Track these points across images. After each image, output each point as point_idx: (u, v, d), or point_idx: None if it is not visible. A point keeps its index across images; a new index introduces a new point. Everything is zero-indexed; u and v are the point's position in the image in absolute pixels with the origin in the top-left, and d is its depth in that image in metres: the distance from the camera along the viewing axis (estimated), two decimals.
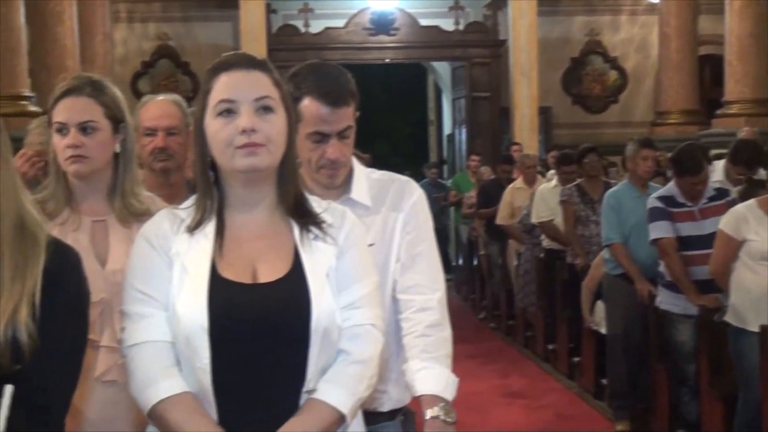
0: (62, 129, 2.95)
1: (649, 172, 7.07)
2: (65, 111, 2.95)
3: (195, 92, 14.57)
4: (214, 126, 2.32)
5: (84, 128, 2.94)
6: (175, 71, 15.97)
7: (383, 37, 15.95)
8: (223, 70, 2.35)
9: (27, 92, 9.43)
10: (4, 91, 8.91)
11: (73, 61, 11.15)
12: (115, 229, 2.95)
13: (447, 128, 19.12)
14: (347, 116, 2.79)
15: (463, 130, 16.82)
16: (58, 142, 2.95)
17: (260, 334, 2.26)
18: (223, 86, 2.33)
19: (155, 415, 2.28)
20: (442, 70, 18.47)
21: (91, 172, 2.96)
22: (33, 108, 9.30)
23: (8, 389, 2.12)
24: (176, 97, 3.78)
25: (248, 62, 2.37)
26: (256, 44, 14.13)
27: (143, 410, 2.31)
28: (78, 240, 2.90)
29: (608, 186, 7.72)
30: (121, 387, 2.81)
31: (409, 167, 17.93)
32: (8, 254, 2.20)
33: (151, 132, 3.62)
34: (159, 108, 3.66)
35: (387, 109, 24.38)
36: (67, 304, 2.25)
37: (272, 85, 2.36)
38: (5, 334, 2.14)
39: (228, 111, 2.31)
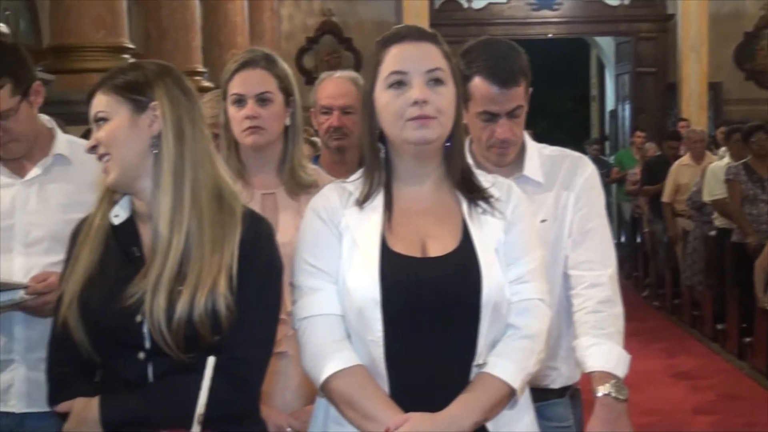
0: (240, 100, 2.99)
1: None
2: (242, 83, 2.99)
3: (357, 68, 14.66)
4: (384, 98, 2.32)
5: (261, 99, 2.97)
6: (338, 47, 16.13)
7: (546, 12, 15.77)
8: (394, 42, 2.35)
9: (200, 68, 9.64)
10: (179, 67, 9.12)
11: (242, 38, 11.36)
12: (284, 201, 2.98)
13: (610, 104, 18.80)
14: (517, 96, 2.76)
15: (627, 106, 16.51)
16: (235, 113, 2.99)
17: (431, 308, 2.26)
18: (394, 58, 2.33)
19: (327, 387, 2.30)
20: (605, 44, 18.15)
21: (266, 143, 3.00)
22: (206, 83, 9.50)
23: (211, 360, 2.18)
24: (353, 74, 3.78)
25: (419, 34, 2.37)
26: (418, 20, 14.13)
27: (315, 383, 2.33)
28: None
29: None
30: (291, 358, 2.87)
31: (570, 143, 17.57)
32: (208, 226, 2.27)
33: (327, 110, 3.64)
34: (335, 86, 3.68)
35: (548, 85, 24.02)
36: (262, 275, 2.31)
37: (443, 57, 2.35)
38: (205, 306, 2.21)
39: (399, 83, 2.31)
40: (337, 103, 3.63)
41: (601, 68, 19.99)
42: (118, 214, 2.36)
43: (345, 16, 16.06)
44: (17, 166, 3.06)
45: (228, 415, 2.25)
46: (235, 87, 3.00)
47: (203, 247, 2.25)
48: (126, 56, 7.56)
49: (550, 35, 16.64)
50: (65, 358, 2.33)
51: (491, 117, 2.75)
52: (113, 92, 2.31)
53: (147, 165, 2.30)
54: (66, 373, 2.33)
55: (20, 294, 2.88)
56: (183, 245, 2.24)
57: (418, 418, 2.21)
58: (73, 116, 5.65)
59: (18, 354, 3.01)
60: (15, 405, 3.01)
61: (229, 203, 2.32)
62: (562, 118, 25.06)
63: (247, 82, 2.98)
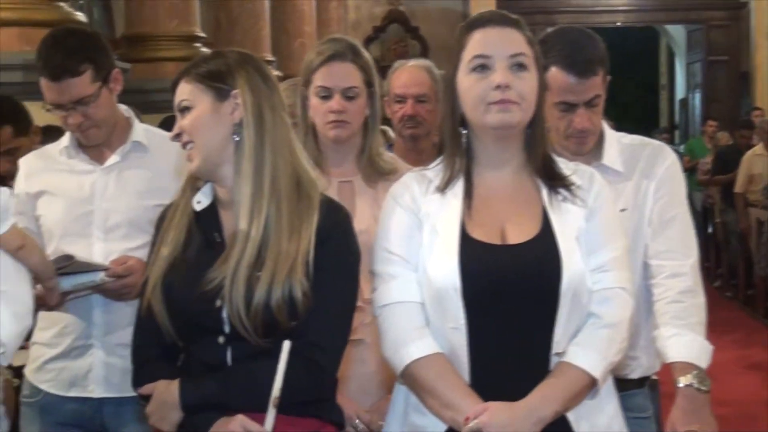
0: (326, 94, 2.97)
1: None
2: (330, 76, 2.97)
3: (424, 57, 14.67)
4: (467, 82, 2.31)
5: (348, 94, 2.97)
6: (405, 36, 16.11)
7: (614, 0, 15.59)
8: (477, 26, 2.34)
9: (269, 56, 9.71)
10: None
11: (310, 27, 11.42)
12: (361, 189, 2.98)
13: (680, 92, 18.58)
14: (595, 85, 2.73)
15: (698, 95, 16.33)
16: (319, 105, 2.98)
17: (511, 296, 2.24)
18: (478, 42, 2.32)
19: (407, 374, 2.30)
20: (675, 33, 17.95)
21: (349, 136, 2.99)
22: (275, 72, 9.56)
23: (286, 345, 2.20)
24: (427, 63, 3.77)
25: (503, 19, 2.35)
26: (486, 8, 14.01)
27: (395, 370, 2.33)
28: None
29: None
30: (368, 345, 2.88)
31: (638, 133, 17.45)
32: (286, 213, 2.29)
33: (401, 99, 3.64)
34: (409, 75, 3.67)
35: (616, 73, 23.63)
36: (339, 262, 2.33)
37: (526, 43, 2.33)
38: (282, 292, 2.23)
39: (482, 67, 2.30)
40: (410, 91, 3.62)
41: (671, 56, 19.76)
42: (201, 201, 2.38)
43: (412, 4, 16.03)
44: (97, 153, 3.11)
45: (303, 400, 2.28)
46: (322, 80, 2.97)
47: (281, 234, 2.27)
48: (197, 45, 7.64)
49: (618, 23, 16.48)
50: (149, 341, 2.37)
51: (569, 107, 2.73)
52: (196, 81, 2.33)
53: (228, 152, 2.32)
54: (150, 356, 2.37)
55: (100, 276, 2.92)
56: (262, 231, 2.27)
57: (497, 407, 2.20)
58: (148, 105, 5.73)
59: (96, 339, 3.05)
60: (93, 390, 3.05)
61: (307, 191, 2.33)
62: (629, 107, 24.77)
63: (335, 76, 2.96)
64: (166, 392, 2.28)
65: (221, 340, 2.29)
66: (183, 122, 2.34)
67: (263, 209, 2.28)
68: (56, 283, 2.53)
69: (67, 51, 2.97)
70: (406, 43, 16.05)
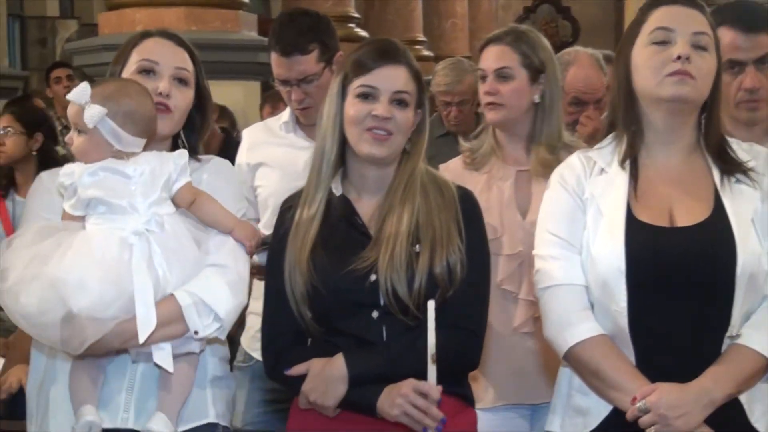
0: (482, 76, 3.04)
1: None
2: (484, 58, 3.04)
3: (575, 38, 14.53)
4: (644, 54, 2.30)
5: (500, 75, 2.99)
6: (556, 17, 15.95)
7: None
8: (663, 3, 2.33)
9: (420, 37, 9.76)
10: (400, 37, 9.32)
11: (461, 7, 11.42)
12: (537, 179, 2.96)
13: None
14: (764, 43, 2.67)
15: None
16: (480, 89, 3.06)
17: (681, 279, 2.21)
18: (662, 16, 2.31)
19: (572, 356, 2.29)
20: None
21: (503, 120, 3.01)
22: (426, 52, 9.62)
23: (431, 304, 2.23)
24: (597, 54, 3.73)
25: (688, 1, 2.33)
26: None
27: (558, 351, 2.33)
28: (502, 189, 2.98)
29: None
30: (535, 336, 2.90)
31: None
32: (432, 191, 2.42)
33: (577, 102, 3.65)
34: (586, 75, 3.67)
35: None
36: (482, 237, 2.45)
37: (708, 26, 2.31)
38: (441, 264, 2.33)
39: (663, 41, 2.28)
40: (588, 98, 3.64)
41: None
42: (336, 187, 2.45)
43: None
44: (313, 131, 3.23)
45: (458, 367, 2.36)
46: (480, 62, 3.06)
47: (431, 212, 2.37)
48: (351, 25, 7.73)
49: None
50: (283, 328, 2.43)
51: (737, 66, 2.67)
52: None
53: None
54: (286, 341, 2.43)
55: None
56: (415, 209, 2.37)
57: (666, 388, 2.18)
58: None
59: None
60: None
61: (434, 175, 2.47)
62: None
63: (489, 59, 3.03)
64: (329, 368, 2.33)
65: (375, 314, 2.34)
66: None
67: (417, 189, 2.39)
68: (241, 236, 2.59)
69: (299, 29, 3.15)
70: (557, 23, 15.87)
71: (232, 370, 3.30)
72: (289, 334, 2.42)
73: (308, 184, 2.45)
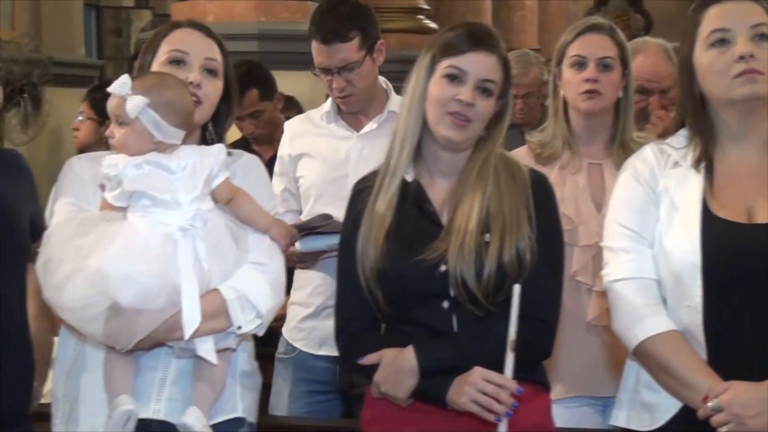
0: (581, 63, 2.99)
1: None
2: (585, 45, 3.00)
3: (647, 30, 14.36)
4: (706, 58, 2.26)
5: (603, 64, 2.97)
6: (628, 9, 15.76)
7: None
8: (712, 2, 2.29)
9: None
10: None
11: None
12: (611, 173, 2.93)
13: None
14: None
15: None
16: (573, 76, 3.01)
17: (760, 278, 2.17)
18: (715, 17, 2.27)
19: (641, 351, 2.26)
20: None
21: (601, 109, 3.00)
22: None
23: (517, 288, 2.24)
24: (665, 45, 3.68)
25: None
26: None
27: (628, 346, 2.30)
28: (576, 182, 2.98)
29: None
30: (608, 329, 2.86)
31: None
32: (503, 178, 2.40)
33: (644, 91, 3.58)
34: (654, 65, 3.57)
35: None
36: (555, 224, 2.43)
37: (765, 14, 2.27)
38: (510, 252, 2.32)
39: (721, 41, 2.24)
40: (653, 87, 3.55)
41: None
42: (409, 172, 2.44)
43: None
44: (354, 120, 3.28)
45: (528, 356, 2.32)
46: (577, 49, 3.01)
47: (502, 199, 2.36)
48: (420, 17, 7.71)
49: None
50: (356, 314, 2.44)
51: None
52: None
53: None
54: (359, 328, 2.44)
55: None
56: (486, 197, 2.36)
57: (740, 387, 2.14)
58: None
59: None
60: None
61: (507, 158, 2.46)
62: None
63: (590, 45, 3.00)
64: (400, 359, 2.33)
65: (445, 304, 2.34)
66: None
67: (489, 175, 2.38)
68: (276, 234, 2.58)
69: (339, 18, 3.14)
70: (629, 16, 15.68)
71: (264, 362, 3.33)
72: (362, 320, 2.43)
73: (385, 164, 2.45)
